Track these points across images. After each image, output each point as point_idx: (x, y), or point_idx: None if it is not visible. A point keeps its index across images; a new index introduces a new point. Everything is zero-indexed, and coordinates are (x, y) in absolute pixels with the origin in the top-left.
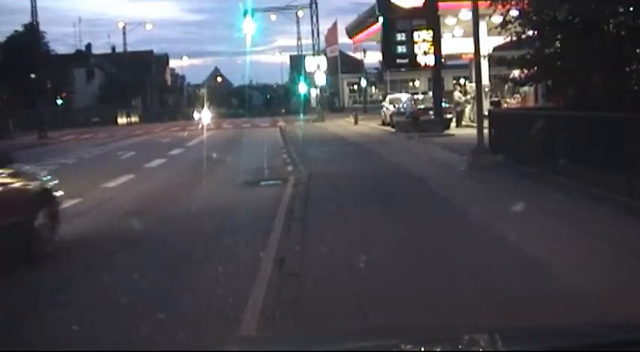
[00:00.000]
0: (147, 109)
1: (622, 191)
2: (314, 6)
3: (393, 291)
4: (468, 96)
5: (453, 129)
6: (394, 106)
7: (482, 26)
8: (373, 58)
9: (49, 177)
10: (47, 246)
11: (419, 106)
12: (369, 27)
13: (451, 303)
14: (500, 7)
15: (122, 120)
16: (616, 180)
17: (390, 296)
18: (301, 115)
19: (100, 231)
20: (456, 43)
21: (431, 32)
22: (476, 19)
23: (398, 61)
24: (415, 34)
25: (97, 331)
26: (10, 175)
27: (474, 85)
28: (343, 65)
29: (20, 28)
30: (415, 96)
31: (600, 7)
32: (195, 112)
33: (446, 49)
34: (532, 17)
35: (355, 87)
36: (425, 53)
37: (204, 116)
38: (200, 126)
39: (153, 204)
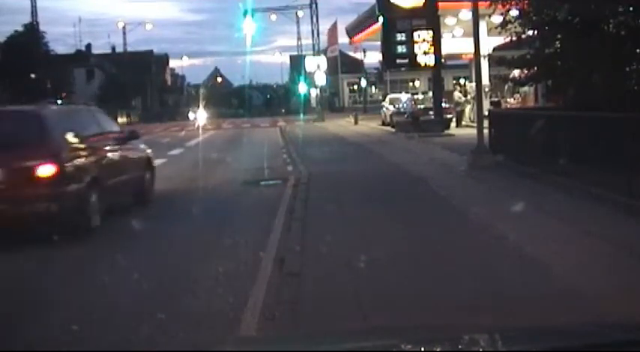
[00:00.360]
0: (147, 109)
1: (622, 191)
2: (314, 6)
3: (393, 291)
4: (468, 97)
5: (453, 129)
6: (394, 106)
7: (483, 26)
8: (373, 58)
9: (149, 149)
10: (150, 196)
11: (419, 106)
12: (369, 27)
13: (451, 303)
14: (500, 7)
15: (122, 120)
16: (616, 180)
17: (390, 296)
18: (301, 115)
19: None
20: (456, 43)
21: (431, 32)
22: (476, 19)
23: (398, 61)
24: (415, 34)
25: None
26: (138, 145)
27: (474, 84)
28: (343, 65)
29: (20, 28)
30: (415, 96)
31: (600, 7)
32: (190, 112)
33: (446, 49)
34: (532, 17)
35: (355, 87)
36: (425, 53)
37: (200, 116)
38: (196, 126)
39: (152, 205)
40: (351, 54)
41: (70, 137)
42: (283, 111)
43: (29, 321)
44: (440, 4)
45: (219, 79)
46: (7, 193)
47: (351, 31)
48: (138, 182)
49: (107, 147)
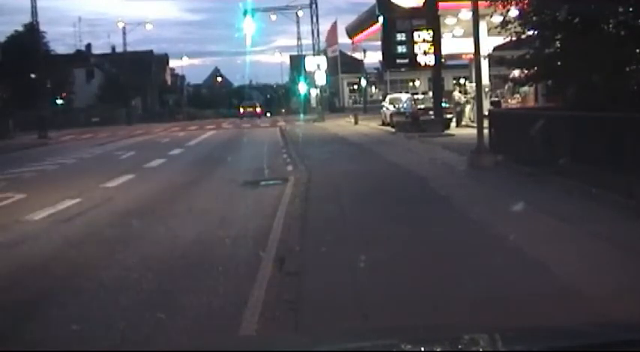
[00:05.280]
0: (147, 109)
1: (622, 191)
2: (314, 6)
3: (393, 291)
4: (468, 96)
5: (453, 129)
6: (394, 106)
7: (483, 26)
8: (373, 58)
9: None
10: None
11: (419, 106)
12: (369, 27)
13: (451, 303)
14: (500, 7)
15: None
16: (616, 180)
17: (390, 296)
18: (301, 115)
19: (96, 233)
20: (456, 43)
21: (431, 32)
22: (476, 19)
23: (398, 61)
24: (415, 34)
25: None
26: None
27: (474, 84)
28: (343, 65)
29: (20, 28)
30: (415, 96)
31: (600, 7)
32: None
33: (446, 49)
34: (532, 17)
35: (355, 87)
36: (425, 53)
37: None
38: None
39: (152, 204)
40: (351, 53)
41: (263, 105)
42: (283, 111)
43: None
44: (440, 4)
45: (219, 79)
46: (255, 113)
47: (351, 31)
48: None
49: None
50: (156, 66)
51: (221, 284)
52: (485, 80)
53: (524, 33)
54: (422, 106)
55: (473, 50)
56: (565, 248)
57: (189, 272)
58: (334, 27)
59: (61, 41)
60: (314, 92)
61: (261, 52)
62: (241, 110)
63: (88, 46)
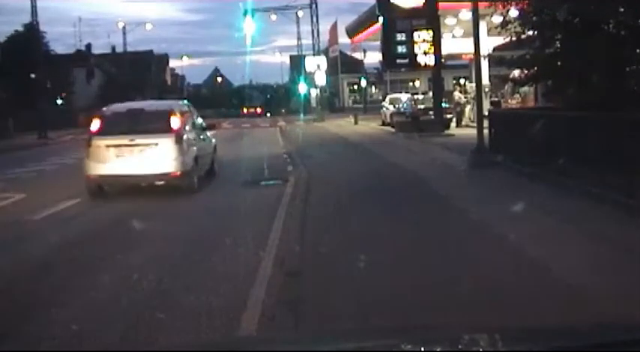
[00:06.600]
0: None
1: (622, 191)
2: (314, 6)
3: (393, 291)
4: (468, 97)
5: (453, 129)
6: (394, 106)
7: (483, 26)
8: (373, 58)
9: None
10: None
11: (419, 106)
12: (369, 27)
13: (451, 303)
14: (500, 7)
15: None
16: (616, 180)
17: (390, 296)
18: (301, 115)
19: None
20: (456, 43)
21: (431, 32)
22: (476, 19)
23: (398, 61)
24: (415, 34)
25: None
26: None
27: (474, 84)
28: (343, 65)
29: (20, 28)
30: (415, 96)
31: (600, 7)
32: None
33: (446, 49)
34: (532, 17)
35: (355, 87)
36: (425, 53)
37: None
38: None
39: (150, 204)
40: (351, 53)
41: (263, 105)
42: (283, 111)
43: None
44: (440, 4)
45: (219, 79)
46: (256, 113)
47: (351, 32)
48: None
49: None
50: (156, 66)
51: (221, 284)
52: (486, 80)
53: (524, 33)
54: (422, 106)
55: (473, 50)
56: (565, 248)
57: (190, 272)
58: (334, 27)
59: (61, 41)
60: (314, 92)
61: (261, 52)
62: (244, 110)
63: (88, 46)
